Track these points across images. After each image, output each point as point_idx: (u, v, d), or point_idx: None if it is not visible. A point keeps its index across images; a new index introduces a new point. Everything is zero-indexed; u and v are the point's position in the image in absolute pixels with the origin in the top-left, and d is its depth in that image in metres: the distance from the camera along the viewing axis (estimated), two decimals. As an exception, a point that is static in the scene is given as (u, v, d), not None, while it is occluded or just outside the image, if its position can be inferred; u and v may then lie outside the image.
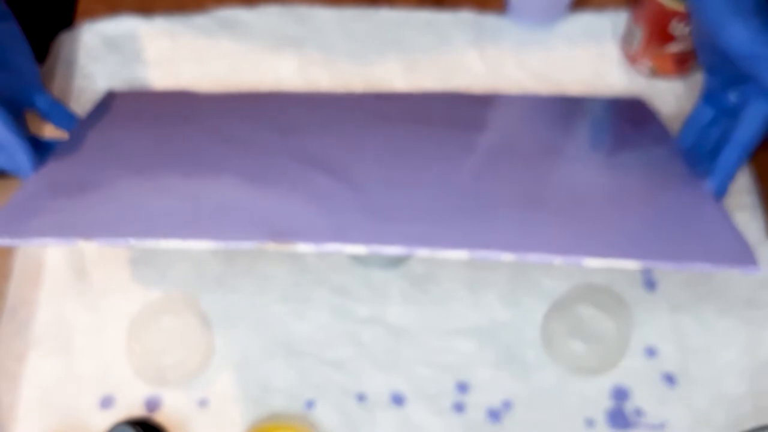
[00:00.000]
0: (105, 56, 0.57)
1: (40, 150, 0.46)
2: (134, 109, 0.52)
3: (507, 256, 0.36)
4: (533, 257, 0.36)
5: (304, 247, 0.37)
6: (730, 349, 0.47)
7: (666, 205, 0.41)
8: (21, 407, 0.46)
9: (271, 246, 0.38)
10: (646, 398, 0.46)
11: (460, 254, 0.36)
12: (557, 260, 0.36)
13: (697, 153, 0.45)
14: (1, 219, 0.41)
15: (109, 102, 0.53)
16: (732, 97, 0.43)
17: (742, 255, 0.37)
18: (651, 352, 0.47)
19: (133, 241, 0.38)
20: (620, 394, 0.46)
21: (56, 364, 0.48)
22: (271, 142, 0.47)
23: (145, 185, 0.43)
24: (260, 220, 0.39)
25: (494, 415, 0.46)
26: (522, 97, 0.53)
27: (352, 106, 0.51)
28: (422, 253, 0.36)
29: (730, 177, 0.42)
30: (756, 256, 0.37)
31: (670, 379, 0.46)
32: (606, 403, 0.46)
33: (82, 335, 0.48)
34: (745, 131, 0.41)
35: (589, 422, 0.45)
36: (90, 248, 0.51)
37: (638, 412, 0.46)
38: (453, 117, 0.50)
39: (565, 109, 0.51)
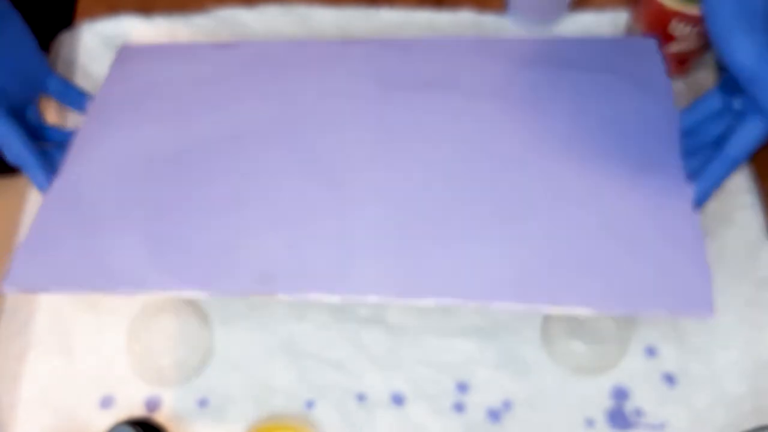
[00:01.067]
0: (105, 56, 0.58)
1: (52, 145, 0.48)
2: (145, 83, 0.51)
3: (472, 304, 0.39)
4: (497, 305, 0.39)
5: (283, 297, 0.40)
6: (729, 349, 0.47)
7: (643, 230, 0.41)
8: (21, 407, 0.46)
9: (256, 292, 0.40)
10: (646, 398, 0.46)
11: (427, 302, 0.39)
12: (520, 307, 0.39)
13: (696, 139, 0.45)
14: (19, 268, 0.42)
15: (123, 67, 0.52)
16: (736, 103, 0.43)
17: (702, 301, 0.38)
18: (651, 352, 0.47)
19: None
20: (620, 394, 0.46)
21: (56, 364, 0.48)
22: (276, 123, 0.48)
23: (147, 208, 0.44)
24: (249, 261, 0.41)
25: (494, 415, 0.46)
26: (513, 41, 0.51)
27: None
28: (396, 302, 0.39)
29: (715, 187, 0.42)
30: (713, 304, 0.38)
31: (670, 379, 0.46)
32: (606, 403, 0.46)
33: (82, 335, 0.48)
34: (737, 147, 0.41)
35: (589, 422, 0.45)
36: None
37: (638, 412, 0.46)
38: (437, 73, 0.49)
39: (560, 57, 0.50)
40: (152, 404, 0.46)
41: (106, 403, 0.47)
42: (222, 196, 0.44)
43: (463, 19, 0.59)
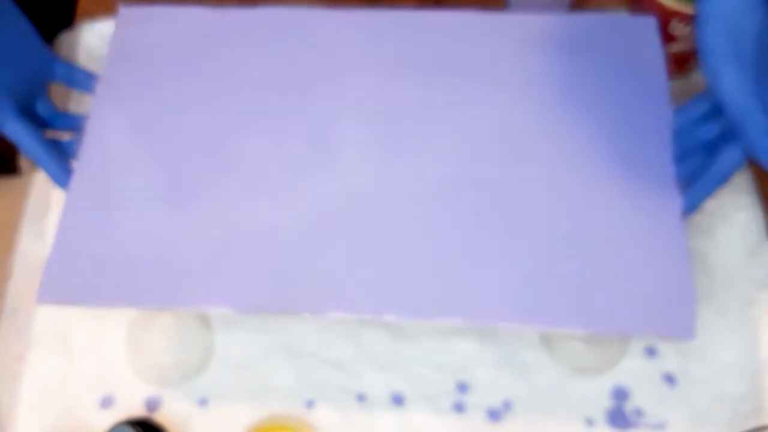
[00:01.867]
0: (105, 56, 0.58)
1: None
2: (152, 53, 0.50)
3: (480, 324, 0.41)
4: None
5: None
6: (729, 350, 0.47)
7: (632, 248, 0.42)
8: (21, 407, 0.47)
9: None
10: (646, 398, 0.46)
11: (438, 322, 0.41)
12: (523, 327, 0.41)
13: (686, 141, 0.45)
14: (51, 279, 0.42)
15: (125, 38, 0.51)
16: (715, 128, 0.44)
17: (684, 325, 0.40)
18: (651, 352, 0.47)
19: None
20: (620, 394, 0.46)
21: (56, 364, 0.48)
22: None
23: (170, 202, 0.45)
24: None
25: (494, 415, 0.46)
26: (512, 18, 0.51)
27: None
28: (411, 321, 0.41)
29: (703, 200, 0.44)
30: (694, 329, 0.40)
31: (670, 379, 0.47)
32: (606, 403, 0.46)
33: (82, 335, 0.49)
34: (722, 168, 0.42)
35: (589, 422, 0.46)
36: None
37: (638, 412, 0.46)
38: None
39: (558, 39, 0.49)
40: (152, 404, 0.47)
41: (106, 403, 0.47)
42: (241, 193, 0.44)
43: (463, 19, 0.59)
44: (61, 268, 0.42)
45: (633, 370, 0.47)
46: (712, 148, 0.44)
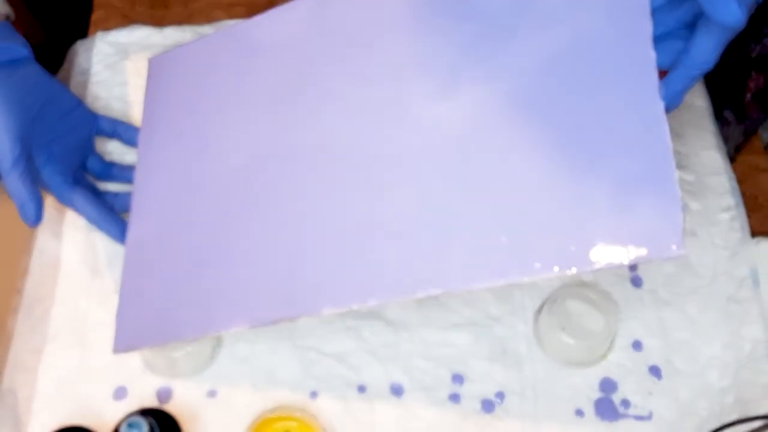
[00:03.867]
0: (118, 64, 0.59)
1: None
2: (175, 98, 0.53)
3: (457, 291, 0.39)
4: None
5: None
6: (713, 344, 0.49)
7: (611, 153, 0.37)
8: (38, 399, 0.48)
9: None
10: (633, 390, 0.47)
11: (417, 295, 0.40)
12: (500, 283, 0.38)
13: (662, 22, 0.40)
14: (122, 331, 0.47)
15: (157, 87, 0.53)
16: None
17: (672, 238, 0.35)
18: (638, 345, 0.49)
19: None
20: (608, 386, 0.48)
21: (71, 357, 0.49)
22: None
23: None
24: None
25: (488, 405, 0.47)
26: None
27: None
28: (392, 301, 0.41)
29: (683, 92, 0.39)
30: (682, 239, 0.35)
31: (656, 371, 0.48)
32: (595, 394, 0.48)
33: (97, 330, 0.50)
34: (697, 56, 0.38)
35: (579, 412, 0.47)
36: (103, 248, 0.53)
37: (625, 403, 0.47)
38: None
39: None
40: (163, 395, 0.48)
41: (120, 394, 0.48)
42: (276, 224, 0.46)
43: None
44: (128, 319, 0.47)
45: (620, 363, 0.48)
46: (688, 31, 0.39)
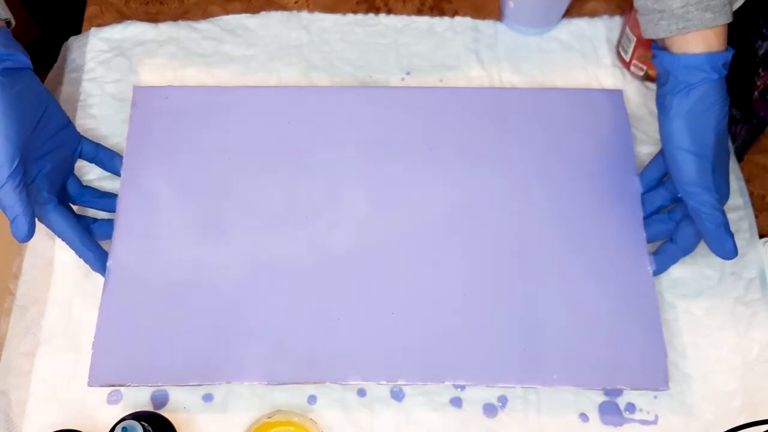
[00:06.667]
0: (112, 60, 0.59)
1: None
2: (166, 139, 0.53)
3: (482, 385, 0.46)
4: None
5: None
6: (720, 347, 0.48)
7: (610, 314, 0.47)
8: (31, 402, 0.47)
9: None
10: (638, 394, 0.47)
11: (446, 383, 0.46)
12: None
13: (649, 201, 0.50)
14: (97, 365, 0.46)
15: (141, 119, 0.54)
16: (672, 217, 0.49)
17: (658, 378, 0.45)
18: (643, 349, 0.48)
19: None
20: (614, 390, 0.47)
21: (65, 360, 0.48)
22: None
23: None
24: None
25: (490, 409, 0.47)
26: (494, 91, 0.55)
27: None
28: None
29: (670, 266, 0.49)
30: (666, 380, 0.45)
31: (661, 375, 0.47)
32: (599, 398, 0.47)
33: (90, 332, 0.48)
34: (686, 242, 0.47)
35: (583, 417, 0.46)
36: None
37: (631, 407, 0.47)
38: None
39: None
40: (159, 399, 0.47)
41: (114, 398, 0.47)
42: (264, 281, 0.48)
43: (461, 24, 0.60)
44: (104, 352, 0.46)
45: (626, 366, 0.48)
46: (674, 216, 0.48)
